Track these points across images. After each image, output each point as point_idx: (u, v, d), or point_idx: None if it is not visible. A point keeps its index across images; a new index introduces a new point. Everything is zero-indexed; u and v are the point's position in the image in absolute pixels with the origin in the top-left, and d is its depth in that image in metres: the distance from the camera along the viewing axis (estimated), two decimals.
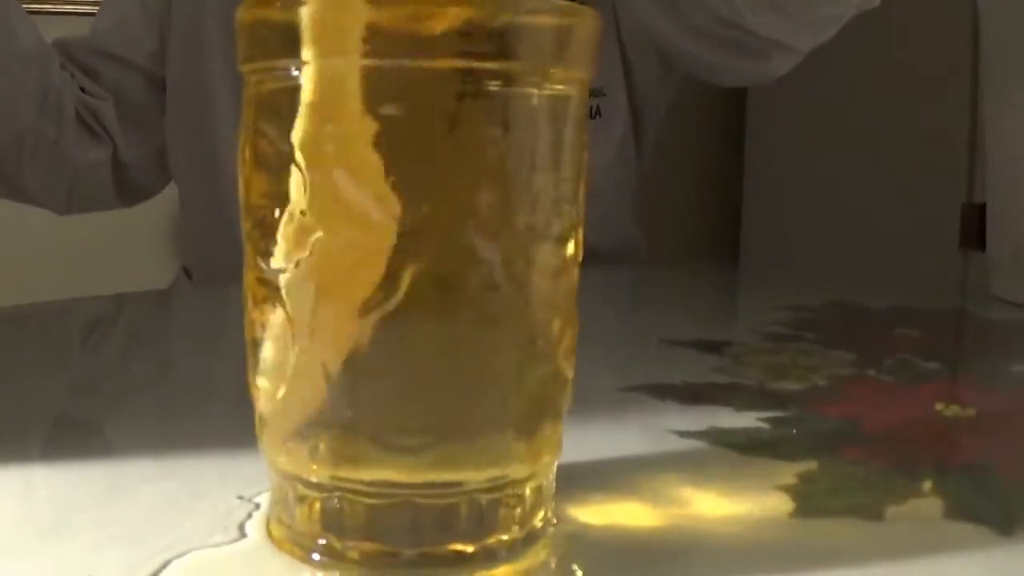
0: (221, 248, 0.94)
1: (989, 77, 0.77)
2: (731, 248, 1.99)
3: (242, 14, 0.27)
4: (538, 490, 0.29)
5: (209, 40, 0.97)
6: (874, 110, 1.65)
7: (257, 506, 0.31)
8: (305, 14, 0.25)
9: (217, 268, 1.00)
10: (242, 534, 0.30)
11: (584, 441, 0.37)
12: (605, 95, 0.97)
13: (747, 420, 0.42)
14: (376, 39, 0.25)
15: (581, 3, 0.85)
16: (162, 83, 1.03)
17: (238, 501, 0.32)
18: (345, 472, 0.27)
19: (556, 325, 0.28)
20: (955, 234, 1.46)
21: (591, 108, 0.95)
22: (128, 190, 1.07)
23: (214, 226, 0.97)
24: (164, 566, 0.27)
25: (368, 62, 0.25)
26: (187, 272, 1.09)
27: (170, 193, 1.13)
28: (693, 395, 0.45)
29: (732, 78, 1.07)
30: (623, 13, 0.97)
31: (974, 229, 1.34)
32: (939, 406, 0.45)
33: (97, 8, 1.10)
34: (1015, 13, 0.72)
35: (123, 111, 1.01)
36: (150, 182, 1.09)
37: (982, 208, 0.79)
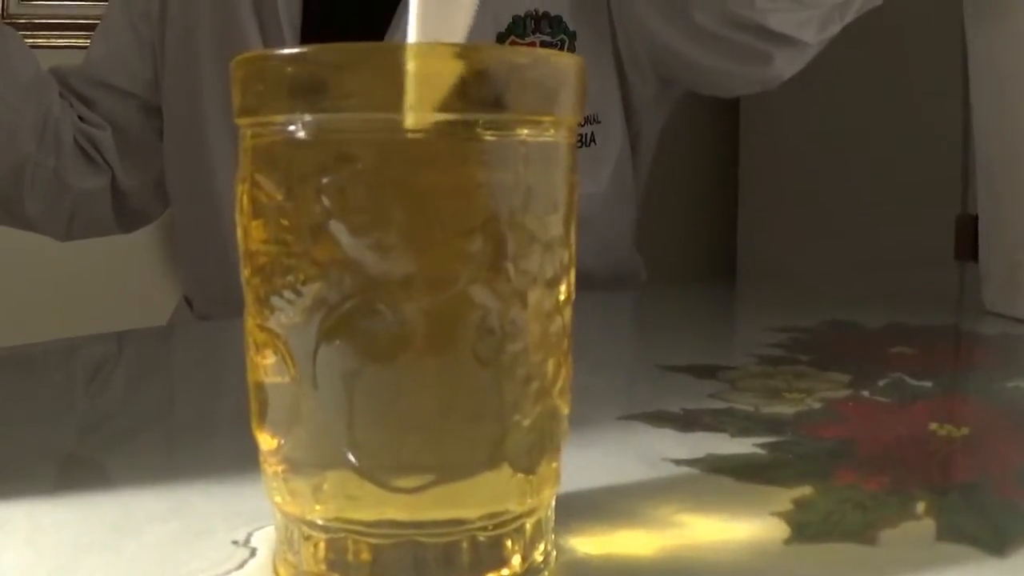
0: (221, 275, 0.95)
1: (978, 89, 0.78)
2: (727, 269, 1.99)
3: (236, 69, 0.28)
4: (538, 524, 0.29)
5: (203, 68, 0.98)
6: (867, 124, 1.66)
7: (255, 550, 0.32)
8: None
9: (217, 296, 1.01)
10: (249, 572, 0.30)
11: (582, 470, 0.38)
12: (600, 121, 0.97)
13: (743, 446, 0.42)
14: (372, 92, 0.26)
15: (574, 35, 0.85)
16: (159, 111, 1.04)
17: (243, 539, 0.33)
18: (348, 513, 0.27)
19: (551, 365, 0.28)
20: (950, 246, 1.47)
21: (585, 135, 0.95)
22: (127, 216, 1.08)
23: (213, 253, 0.98)
24: None
25: (366, 115, 0.26)
26: (188, 302, 1.10)
27: (168, 220, 1.14)
28: (689, 422, 0.46)
29: (733, 87, 1.05)
30: (622, 31, 0.97)
31: (968, 241, 1.35)
32: (933, 426, 0.46)
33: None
34: (1000, 27, 0.73)
35: (121, 140, 1.02)
36: (149, 208, 1.10)
37: (976, 219, 0.79)
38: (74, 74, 1.02)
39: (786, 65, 0.93)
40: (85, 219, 1.03)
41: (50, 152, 0.95)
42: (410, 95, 0.25)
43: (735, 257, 1.98)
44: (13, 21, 1.64)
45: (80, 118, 1.00)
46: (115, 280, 1.62)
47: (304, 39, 0.94)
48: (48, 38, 1.65)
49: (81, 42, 1.56)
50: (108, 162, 1.02)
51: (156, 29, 1.02)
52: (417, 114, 0.26)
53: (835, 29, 0.90)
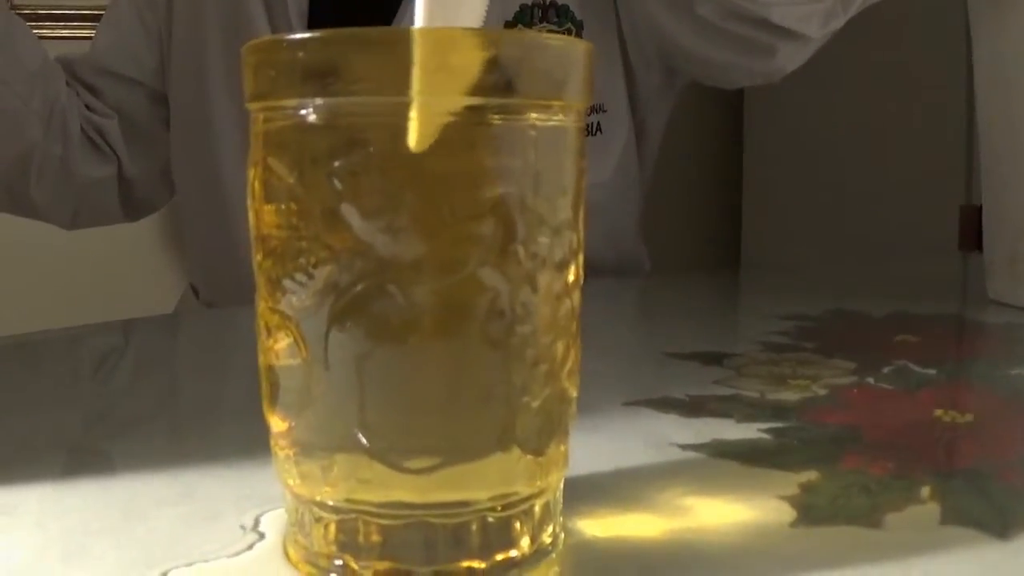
0: (227, 263, 0.95)
1: (982, 79, 0.78)
2: (732, 257, 1.99)
3: (248, 54, 0.28)
4: (546, 506, 0.30)
5: (210, 56, 0.98)
6: (871, 114, 1.66)
7: (264, 533, 0.32)
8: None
9: (223, 283, 1.01)
10: (259, 554, 0.30)
11: (590, 455, 0.38)
12: (605, 111, 0.97)
13: (748, 431, 0.42)
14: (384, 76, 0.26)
15: (581, 24, 0.85)
16: (165, 99, 1.04)
17: (253, 522, 0.33)
18: (359, 494, 0.28)
19: (560, 347, 0.29)
20: (954, 236, 1.47)
21: (591, 125, 0.95)
22: (133, 205, 1.08)
23: (219, 240, 0.98)
24: None
25: (377, 99, 0.26)
26: (194, 289, 1.10)
27: (173, 207, 1.14)
28: (695, 408, 0.46)
29: (736, 78, 1.05)
30: (627, 21, 0.96)
31: (973, 231, 1.35)
32: (937, 412, 0.46)
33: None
34: (1004, 18, 0.73)
35: (127, 128, 1.02)
36: (155, 197, 1.10)
37: (980, 210, 0.79)
38: (81, 63, 1.02)
39: (789, 58, 0.93)
40: (91, 207, 1.04)
41: (57, 140, 0.96)
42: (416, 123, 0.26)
43: (739, 248, 1.98)
44: (18, 12, 1.64)
45: (87, 107, 1.00)
46: (121, 268, 1.62)
47: (311, 26, 0.94)
48: (52, 28, 1.66)
49: (85, 33, 1.57)
50: (114, 150, 1.02)
51: (163, 17, 1.02)
52: (420, 138, 0.26)
53: (838, 24, 0.91)
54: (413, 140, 0.26)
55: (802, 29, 0.89)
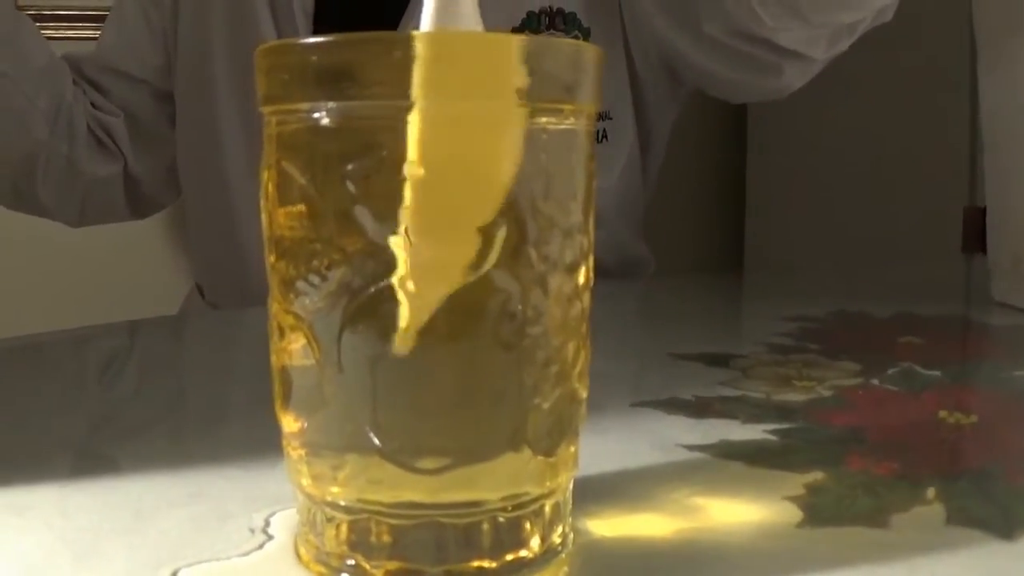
0: (232, 262, 0.96)
1: (986, 80, 0.78)
2: (736, 260, 1.99)
3: (261, 58, 0.29)
4: (556, 507, 0.30)
5: (216, 55, 0.98)
6: (874, 117, 1.66)
7: (274, 533, 0.32)
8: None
9: (228, 282, 1.01)
10: (270, 553, 0.31)
11: (598, 456, 0.38)
12: (611, 118, 0.97)
13: (754, 432, 0.43)
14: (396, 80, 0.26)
15: (588, 32, 0.85)
16: (170, 97, 1.04)
17: (263, 522, 0.33)
18: (370, 494, 0.28)
19: (570, 349, 0.29)
20: (958, 238, 1.47)
21: (597, 132, 0.95)
22: (140, 203, 1.08)
23: (224, 240, 0.98)
24: None
25: (390, 103, 0.26)
26: (199, 288, 1.10)
27: (180, 206, 1.14)
28: (702, 409, 0.46)
29: (743, 94, 1.06)
30: (633, 31, 0.97)
31: (977, 233, 1.35)
32: (942, 413, 0.46)
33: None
34: (1009, 19, 0.73)
35: (133, 126, 1.02)
36: (161, 195, 1.10)
37: (984, 211, 0.80)
38: (87, 61, 1.03)
39: (795, 77, 0.94)
40: (98, 205, 1.04)
41: (63, 139, 0.96)
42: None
43: (743, 250, 1.98)
44: (23, 12, 1.64)
45: (93, 105, 1.00)
46: (126, 268, 1.62)
47: (317, 26, 0.94)
48: (58, 29, 1.66)
49: (90, 34, 1.57)
50: (120, 149, 1.02)
51: (168, 16, 1.02)
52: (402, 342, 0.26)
53: (844, 45, 0.91)
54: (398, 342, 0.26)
55: (808, 51, 0.89)
